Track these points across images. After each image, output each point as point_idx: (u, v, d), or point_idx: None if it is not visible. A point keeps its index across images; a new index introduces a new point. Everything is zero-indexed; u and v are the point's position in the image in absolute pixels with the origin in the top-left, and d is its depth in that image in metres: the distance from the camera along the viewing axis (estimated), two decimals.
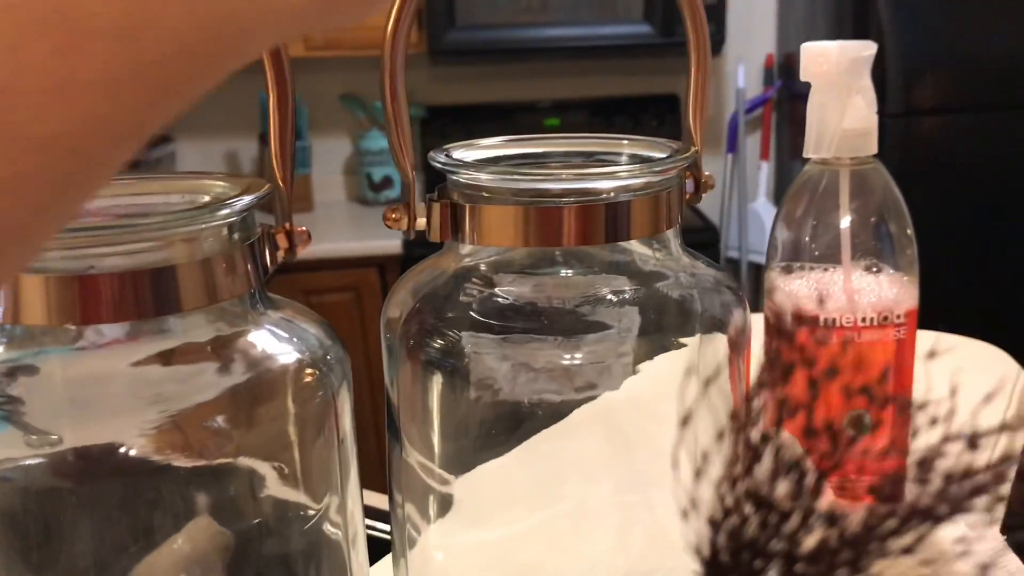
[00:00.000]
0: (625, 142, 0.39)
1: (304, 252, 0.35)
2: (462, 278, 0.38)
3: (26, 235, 0.18)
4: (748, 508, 0.13)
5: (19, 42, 0.16)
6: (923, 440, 0.19)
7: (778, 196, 2.36)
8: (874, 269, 0.55)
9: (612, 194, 0.35)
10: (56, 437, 0.33)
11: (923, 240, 0.57)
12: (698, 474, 0.17)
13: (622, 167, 0.36)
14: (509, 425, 0.41)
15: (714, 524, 0.14)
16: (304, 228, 0.33)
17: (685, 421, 0.19)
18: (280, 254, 0.32)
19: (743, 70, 2.33)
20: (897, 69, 1.82)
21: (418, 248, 2.10)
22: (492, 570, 0.47)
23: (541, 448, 0.46)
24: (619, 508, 0.50)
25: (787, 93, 2.38)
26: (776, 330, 0.18)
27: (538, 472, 0.49)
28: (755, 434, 0.14)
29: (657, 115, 2.36)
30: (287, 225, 0.32)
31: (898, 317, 0.54)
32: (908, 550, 0.13)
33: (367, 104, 2.36)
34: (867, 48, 0.52)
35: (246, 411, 0.34)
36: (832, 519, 0.13)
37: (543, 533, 0.49)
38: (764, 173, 2.39)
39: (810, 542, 0.13)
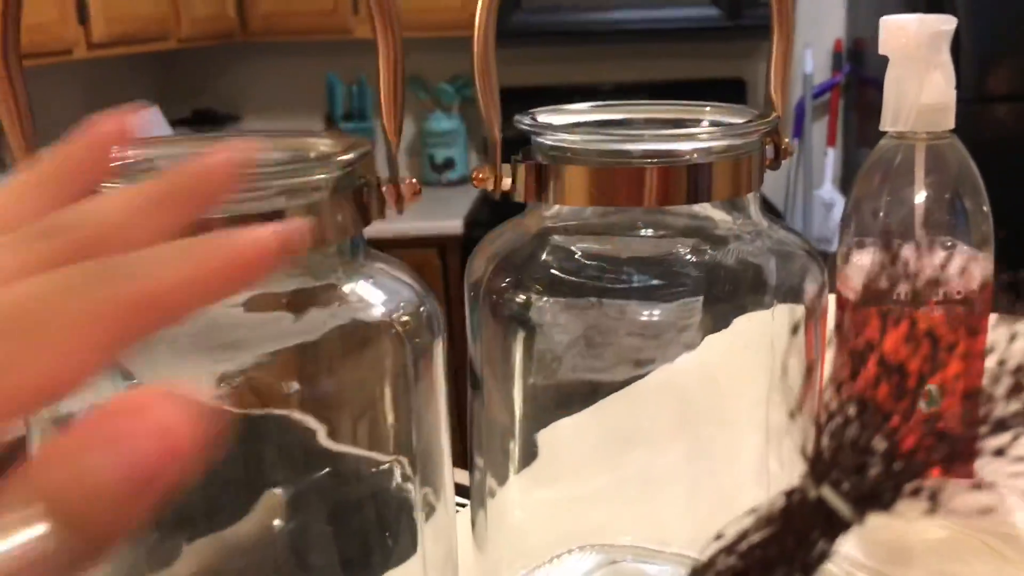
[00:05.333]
0: (707, 109, 0.40)
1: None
2: (544, 238, 0.39)
3: None
4: (851, 410, 0.14)
5: None
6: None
7: (844, 183, 2.33)
8: (948, 245, 0.55)
9: (694, 156, 0.36)
10: (136, 382, 0.34)
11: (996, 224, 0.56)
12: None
13: (704, 129, 0.37)
14: (587, 384, 0.42)
15: (818, 426, 0.15)
16: (414, 180, 0.34)
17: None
18: (388, 205, 0.34)
19: (811, 55, 2.30)
20: (971, 54, 1.78)
21: (479, 229, 2.12)
22: (563, 527, 0.49)
23: (612, 411, 0.48)
24: (686, 475, 0.51)
25: (855, 79, 2.35)
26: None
27: (608, 435, 0.50)
28: (860, 342, 0.15)
29: (722, 100, 2.34)
30: (394, 177, 0.34)
31: (972, 294, 0.54)
32: (1000, 452, 0.14)
33: (430, 86, 2.38)
34: (947, 22, 0.52)
35: (339, 358, 0.35)
36: (930, 420, 0.14)
37: (612, 495, 0.50)
38: (830, 159, 2.36)
39: (909, 442, 0.14)
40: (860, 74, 2.31)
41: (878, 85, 0.53)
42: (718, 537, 0.15)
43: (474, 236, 2.10)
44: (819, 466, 0.14)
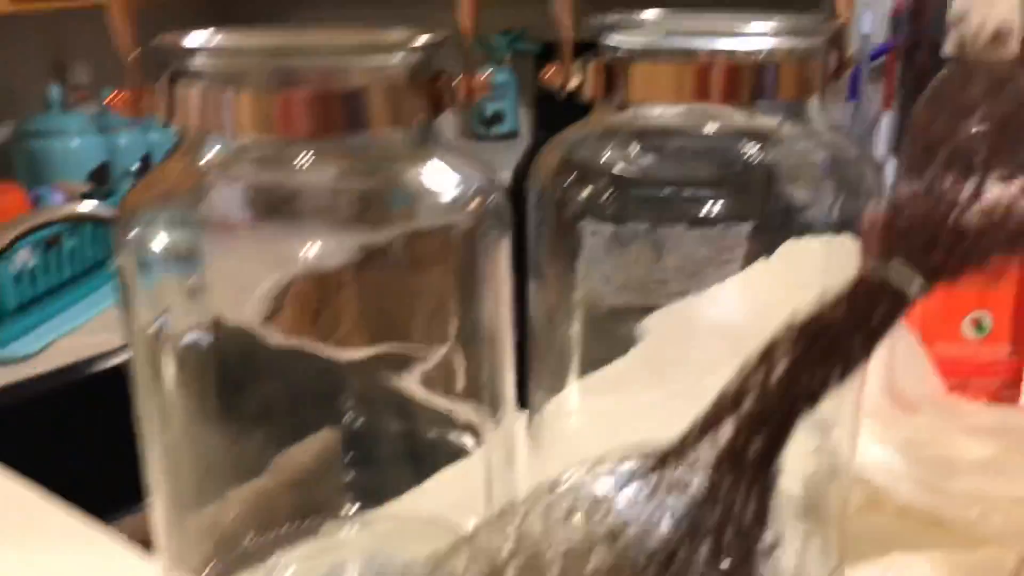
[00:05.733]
0: (773, 21, 0.41)
1: None
2: (608, 137, 0.41)
3: None
4: (920, 195, 0.15)
5: None
6: None
7: (899, 146, 2.30)
8: (1010, 175, 0.55)
9: (759, 54, 0.37)
10: (195, 279, 0.36)
11: None
12: None
13: (770, 26, 0.38)
14: (645, 290, 0.44)
15: (888, 210, 0.16)
16: (484, 76, 0.36)
17: None
18: (460, 96, 0.35)
19: (870, 16, 2.26)
20: None
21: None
22: (612, 436, 0.50)
23: (663, 326, 0.49)
24: None
25: (914, 42, 2.30)
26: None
27: (658, 350, 0.51)
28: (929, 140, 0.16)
29: None
30: (469, 70, 0.36)
31: None
32: None
33: (482, 39, 2.38)
34: None
35: (407, 244, 0.37)
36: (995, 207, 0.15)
37: (660, 409, 0.51)
38: (885, 122, 2.32)
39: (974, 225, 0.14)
40: (919, 37, 2.27)
41: (937, 49, 0.53)
42: (789, 320, 0.16)
43: (523, 189, 2.10)
44: (888, 245, 0.15)
